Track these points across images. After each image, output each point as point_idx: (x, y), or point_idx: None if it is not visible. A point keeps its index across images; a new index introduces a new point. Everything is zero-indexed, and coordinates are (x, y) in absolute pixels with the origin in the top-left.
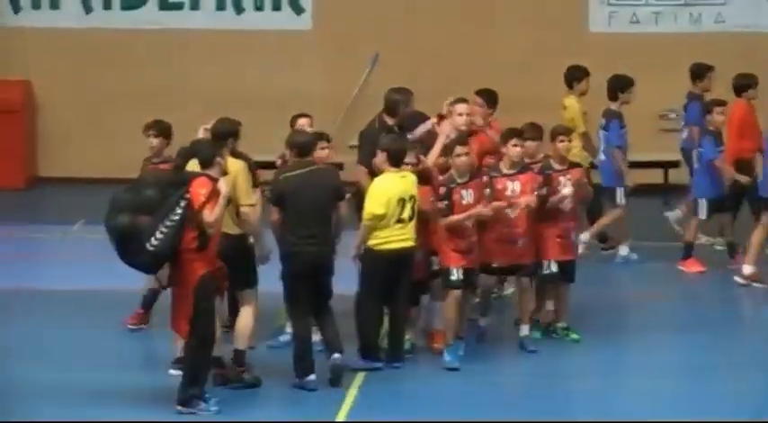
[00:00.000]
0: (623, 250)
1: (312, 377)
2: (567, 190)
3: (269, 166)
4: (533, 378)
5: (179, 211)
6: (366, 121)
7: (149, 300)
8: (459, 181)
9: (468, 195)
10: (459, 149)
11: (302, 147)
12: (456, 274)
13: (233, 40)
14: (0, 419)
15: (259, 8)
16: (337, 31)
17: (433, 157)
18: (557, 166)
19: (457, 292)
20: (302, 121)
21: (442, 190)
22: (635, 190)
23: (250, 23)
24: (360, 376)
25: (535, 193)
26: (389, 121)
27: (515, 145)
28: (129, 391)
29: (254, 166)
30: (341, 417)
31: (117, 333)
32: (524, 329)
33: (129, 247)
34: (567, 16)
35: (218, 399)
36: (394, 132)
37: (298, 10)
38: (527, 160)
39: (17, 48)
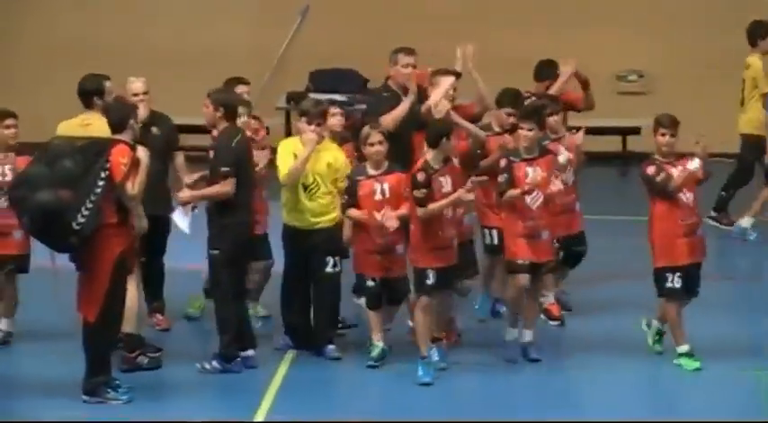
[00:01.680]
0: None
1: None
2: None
3: (190, 129)
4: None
5: (100, 183)
6: (296, 80)
7: None
8: (436, 167)
9: (447, 183)
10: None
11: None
12: (432, 278)
13: None
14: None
15: None
16: None
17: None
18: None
19: (427, 299)
20: (242, 89)
21: (421, 176)
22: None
23: None
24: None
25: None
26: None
27: (524, 128)
28: (31, 380)
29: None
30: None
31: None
32: (527, 335)
33: (51, 227)
34: None
35: (130, 385)
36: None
37: None
38: (552, 136)
39: None
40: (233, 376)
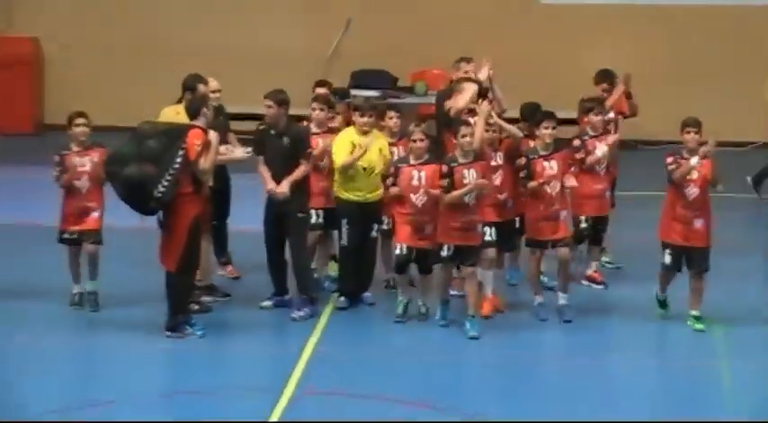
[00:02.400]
0: None
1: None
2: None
3: (251, 117)
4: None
5: (178, 160)
6: (339, 78)
7: None
8: (461, 160)
9: (470, 175)
10: (463, 129)
11: None
12: (446, 250)
13: (222, 4)
14: (0, 419)
15: None
16: None
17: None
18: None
19: (448, 267)
20: (320, 90)
21: (445, 168)
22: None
23: None
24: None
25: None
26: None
27: (547, 127)
28: (123, 320)
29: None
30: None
31: (109, 267)
32: (562, 299)
33: (137, 195)
34: None
35: (203, 324)
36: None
37: None
38: (592, 133)
39: (27, 8)
40: (287, 318)
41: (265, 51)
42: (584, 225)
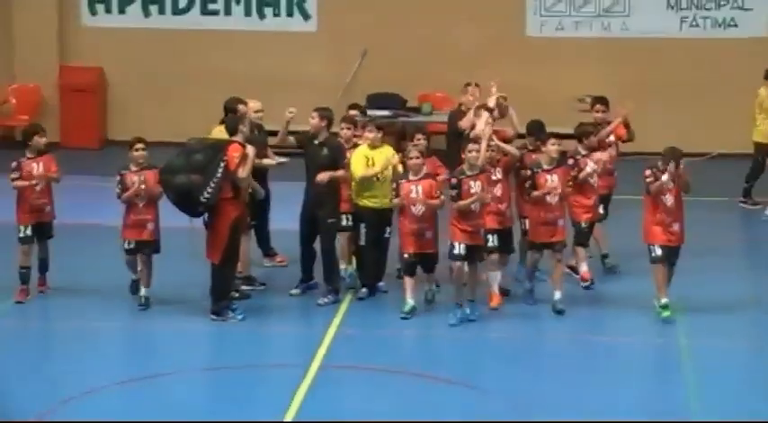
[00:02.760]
0: None
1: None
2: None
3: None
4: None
5: (220, 170)
6: (357, 100)
7: (25, 276)
8: (468, 173)
9: (475, 186)
10: (470, 146)
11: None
12: (458, 249)
13: (257, 38)
14: (0, 419)
15: (276, 15)
16: (335, 33)
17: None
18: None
19: (459, 263)
20: (352, 112)
21: (454, 180)
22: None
23: (270, 26)
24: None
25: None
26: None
27: (554, 144)
28: (175, 305)
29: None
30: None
31: (164, 261)
32: (556, 294)
33: (186, 200)
34: (510, 23)
35: (244, 309)
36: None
37: (305, 16)
38: (584, 152)
39: (94, 43)
40: (314, 304)
41: (293, 77)
42: (584, 226)
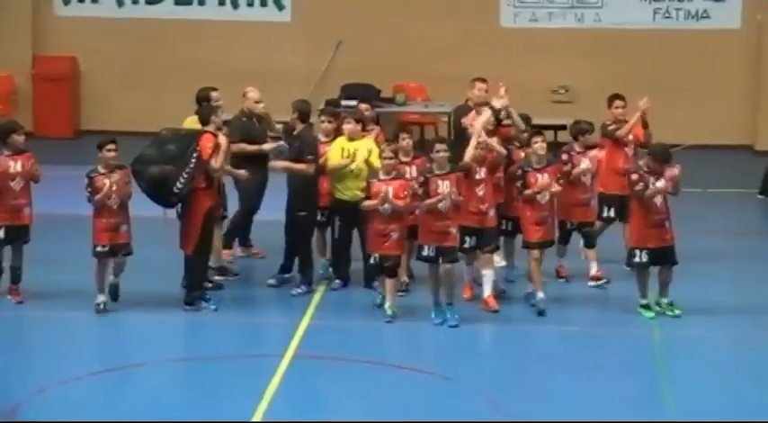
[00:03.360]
0: None
1: None
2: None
3: None
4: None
5: (193, 160)
6: (331, 92)
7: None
8: (437, 172)
9: (443, 185)
10: (438, 147)
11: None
12: (427, 251)
13: (231, 28)
14: (0, 419)
15: (250, 5)
16: (310, 23)
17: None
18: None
19: (428, 267)
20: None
21: (420, 179)
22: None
23: (244, 16)
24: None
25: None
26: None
27: (536, 142)
28: (148, 295)
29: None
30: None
31: (137, 251)
32: (539, 294)
33: (159, 191)
34: (483, 14)
35: (217, 299)
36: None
37: (279, 7)
38: (579, 149)
39: (67, 32)
40: (288, 295)
41: (267, 68)
42: (569, 227)
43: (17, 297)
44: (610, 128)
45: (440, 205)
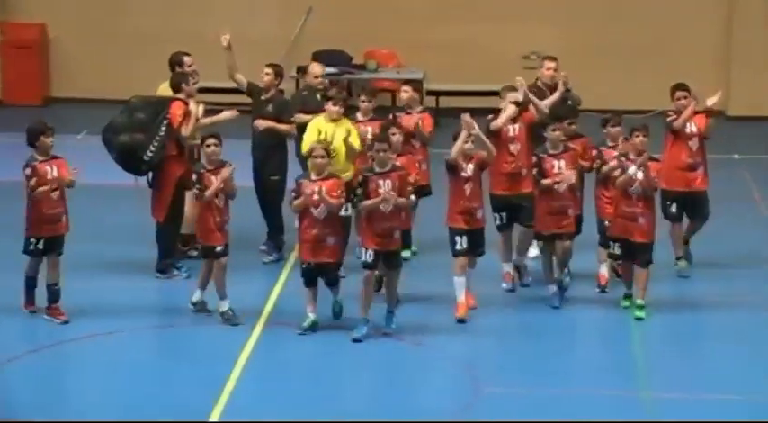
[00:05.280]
0: None
1: None
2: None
3: (228, 91)
4: None
5: (163, 128)
6: (302, 59)
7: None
8: (377, 170)
9: (384, 185)
10: (377, 146)
11: None
12: (365, 255)
13: None
14: (0, 419)
15: None
16: None
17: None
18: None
19: (368, 272)
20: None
21: (359, 178)
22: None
23: None
24: None
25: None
26: None
27: (554, 129)
28: (120, 263)
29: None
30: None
31: (111, 219)
32: (551, 288)
33: (129, 159)
34: None
35: (189, 267)
36: None
37: None
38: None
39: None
40: (258, 264)
41: (239, 34)
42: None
43: (61, 316)
44: (668, 119)
45: (381, 207)
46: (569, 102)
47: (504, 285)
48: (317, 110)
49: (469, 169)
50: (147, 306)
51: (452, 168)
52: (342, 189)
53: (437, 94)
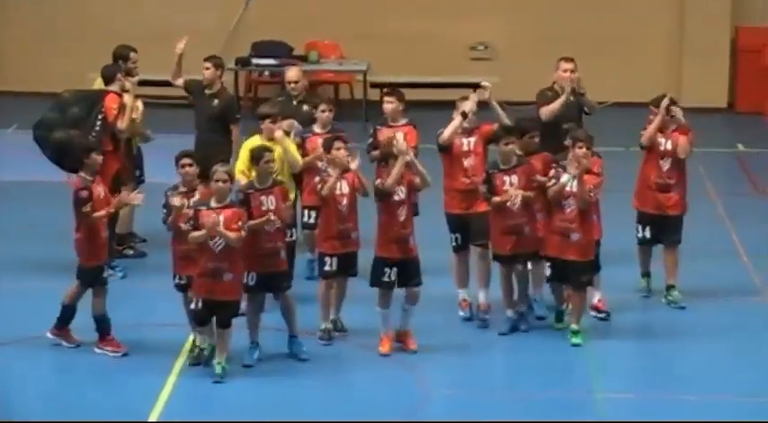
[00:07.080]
0: None
1: None
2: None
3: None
4: None
5: (98, 123)
6: (241, 50)
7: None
8: (258, 186)
9: (268, 202)
10: (267, 155)
11: None
12: (249, 280)
13: None
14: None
15: None
16: None
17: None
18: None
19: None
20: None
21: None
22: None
23: None
24: None
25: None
26: None
27: (507, 143)
28: (49, 264)
29: None
30: None
31: (42, 216)
32: (521, 308)
33: (65, 157)
34: None
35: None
36: None
37: None
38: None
39: None
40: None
41: (176, 25)
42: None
43: (118, 349)
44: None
45: (266, 226)
46: (584, 108)
47: (460, 314)
48: (303, 121)
49: (401, 192)
50: (83, 308)
51: (383, 195)
52: (240, 219)
53: (381, 86)
